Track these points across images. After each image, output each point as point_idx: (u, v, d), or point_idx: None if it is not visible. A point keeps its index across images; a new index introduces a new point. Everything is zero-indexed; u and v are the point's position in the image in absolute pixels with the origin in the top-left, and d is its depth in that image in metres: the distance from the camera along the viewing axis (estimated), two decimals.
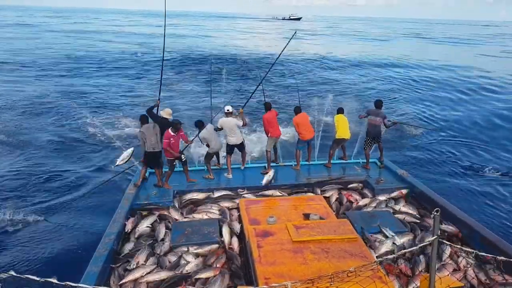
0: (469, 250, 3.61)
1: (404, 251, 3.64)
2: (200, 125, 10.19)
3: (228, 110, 10.29)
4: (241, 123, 10.27)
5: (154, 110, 10.17)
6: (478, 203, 10.82)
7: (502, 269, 6.30)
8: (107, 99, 24.24)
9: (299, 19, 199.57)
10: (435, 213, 3.45)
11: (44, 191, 11.95)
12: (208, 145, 10.25)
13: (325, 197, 9.15)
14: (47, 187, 12.27)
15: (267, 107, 10.66)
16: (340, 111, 10.99)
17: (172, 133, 9.36)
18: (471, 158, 14.14)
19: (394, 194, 9.42)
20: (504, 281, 6.23)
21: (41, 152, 15.33)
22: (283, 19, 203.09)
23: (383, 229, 7.77)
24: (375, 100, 11.01)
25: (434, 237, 3.50)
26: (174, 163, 9.84)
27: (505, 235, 8.64)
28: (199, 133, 10.10)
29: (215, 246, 7.41)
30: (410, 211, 8.74)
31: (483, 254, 3.55)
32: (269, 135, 10.61)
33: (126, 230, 8.04)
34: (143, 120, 9.69)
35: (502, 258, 3.72)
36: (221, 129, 10.30)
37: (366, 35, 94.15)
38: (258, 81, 11.22)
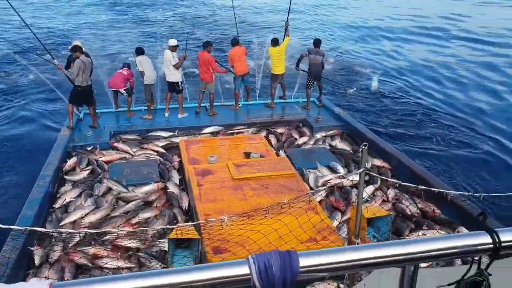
0: (394, 180, 3.85)
1: (333, 182, 3.81)
2: (140, 51, 9.99)
3: (171, 43, 9.79)
4: (174, 61, 9.73)
5: None
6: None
7: (422, 197, 6.85)
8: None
9: None
10: (363, 147, 3.60)
11: None
12: (142, 74, 9.91)
13: (266, 136, 9.30)
14: None
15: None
16: (274, 42, 10.61)
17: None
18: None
19: (330, 132, 9.75)
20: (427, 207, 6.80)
21: None
22: None
23: (318, 165, 8.09)
24: (314, 39, 10.99)
25: (361, 169, 3.69)
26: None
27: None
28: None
29: (154, 186, 7.38)
30: (345, 147, 9.14)
31: (405, 184, 3.81)
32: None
33: (63, 171, 7.85)
34: (80, 50, 8.99)
35: (422, 187, 4.02)
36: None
37: None
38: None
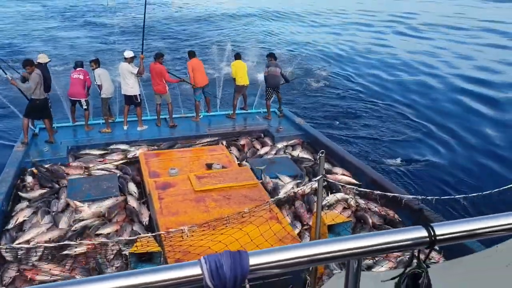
0: (351, 186, 3.98)
1: (292, 190, 3.89)
2: (96, 61, 9.84)
3: (126, 55, 9.68)
4: (135, 70, 9.61)
5: None
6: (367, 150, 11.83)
7: (378, 201, 7.08)
8: None
9: None
10: (320, 154, 3.71)
11: None
12: (100, 88, 9.77)
13: (228, 146, 9.34)
14: None
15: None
16: (237, 56, 11.05)
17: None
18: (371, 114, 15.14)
19: (291, 141, 9.91)
20: (384, 212, 7.02)
21: None
22: None
23: (279, 176, 8.18)
24: (268, 53, 11.33)
25: (319, 176, 3.79)
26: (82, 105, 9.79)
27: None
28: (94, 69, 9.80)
29: (114, 200, 7.22)
30: (306, 156, 9.31)
31: (362, 189, 3.94)
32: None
33: (18, 188, 7.61)
34: (32, 63, 8.76)
35: (378, 192, 4.17)
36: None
37: None
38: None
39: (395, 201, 6.36)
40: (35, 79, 8.54)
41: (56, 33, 25.10)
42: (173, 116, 10.50)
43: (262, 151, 9.55)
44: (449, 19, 29.25)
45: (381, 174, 8.30)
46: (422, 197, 4.81)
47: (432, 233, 1.19)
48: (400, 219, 6.92)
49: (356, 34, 25.75)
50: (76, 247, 5.86)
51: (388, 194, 4.47)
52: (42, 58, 9.48)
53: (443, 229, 1.21)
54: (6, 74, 9.10)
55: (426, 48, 21.91)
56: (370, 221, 6.85)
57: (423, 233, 1.20)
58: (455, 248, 1.24)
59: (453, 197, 4.24)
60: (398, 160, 10.36)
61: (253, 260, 1.07)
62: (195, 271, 1.04)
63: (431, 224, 1.21)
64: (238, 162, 8.70)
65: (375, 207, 7.11)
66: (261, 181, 7.69)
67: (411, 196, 4.93)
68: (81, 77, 9.64)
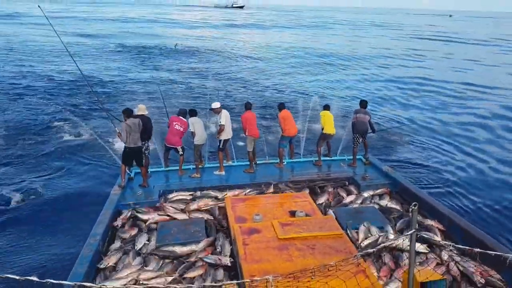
0: (446, 242, 3.69)
1: (382, 245, 3.70)
2: (193, 113, 10.46)
3: (217, 106, 10.36)
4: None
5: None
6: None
7: (479, 260, 6.42)
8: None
9: (241, 7, 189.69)
10: (413, 207, 3.52)
11: (23, 189, 11.75)
12: (193, 135, 10.30)
13: (311, 194, 9.22)
14: (25, 186, 12.08)
15: (247, 107, 10.80)
16: (326, 107, 11.21)
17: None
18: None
19: (379, 191, 9.53)
20: (484, 272, 6.34)
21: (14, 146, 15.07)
22: (226, 7, 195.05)
23: (368, 226, 7.84)
24: (360, 100, 11.24)
25: (412, 230, 3.57)
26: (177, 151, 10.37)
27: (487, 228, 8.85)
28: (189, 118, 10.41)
29: (201, 245, 7.41)
30: (394, 207, 8.85)
31: (459, 246, 3.63)
32: (247, 134, 10.58)
33: (116, 226, 8.13)
34: (128, 113, 9.52)
35: (478, 249, 3.80)
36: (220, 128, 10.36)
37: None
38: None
39: (498, 260, 5.74)
40: (123, 129, 9.29)
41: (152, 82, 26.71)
42: (258, 162, 10.83)
43: (347, 199, 9.26)
44: None
45: (479, 229, 7.57)
46: None
47: None
48: (503, 280, 6.22)
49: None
50: None
51: (490, 252, 4.04)
52: (141, 110, 10.17)
53: None
54: (115, 127, 9.94)
55: None
56: (476, 279, 6.24)
57: None
58: None
59: None
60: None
61: None
62: None
63: None
64: (322, 210, 8.51)
65: (474, 266, 6.48)
66: (346, 231, 7.45)
67: None
68: (182, 129, 10.25)
